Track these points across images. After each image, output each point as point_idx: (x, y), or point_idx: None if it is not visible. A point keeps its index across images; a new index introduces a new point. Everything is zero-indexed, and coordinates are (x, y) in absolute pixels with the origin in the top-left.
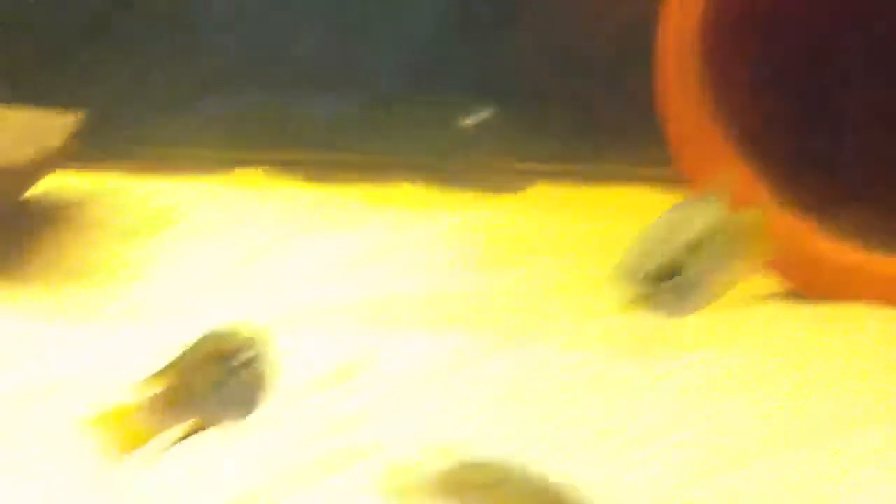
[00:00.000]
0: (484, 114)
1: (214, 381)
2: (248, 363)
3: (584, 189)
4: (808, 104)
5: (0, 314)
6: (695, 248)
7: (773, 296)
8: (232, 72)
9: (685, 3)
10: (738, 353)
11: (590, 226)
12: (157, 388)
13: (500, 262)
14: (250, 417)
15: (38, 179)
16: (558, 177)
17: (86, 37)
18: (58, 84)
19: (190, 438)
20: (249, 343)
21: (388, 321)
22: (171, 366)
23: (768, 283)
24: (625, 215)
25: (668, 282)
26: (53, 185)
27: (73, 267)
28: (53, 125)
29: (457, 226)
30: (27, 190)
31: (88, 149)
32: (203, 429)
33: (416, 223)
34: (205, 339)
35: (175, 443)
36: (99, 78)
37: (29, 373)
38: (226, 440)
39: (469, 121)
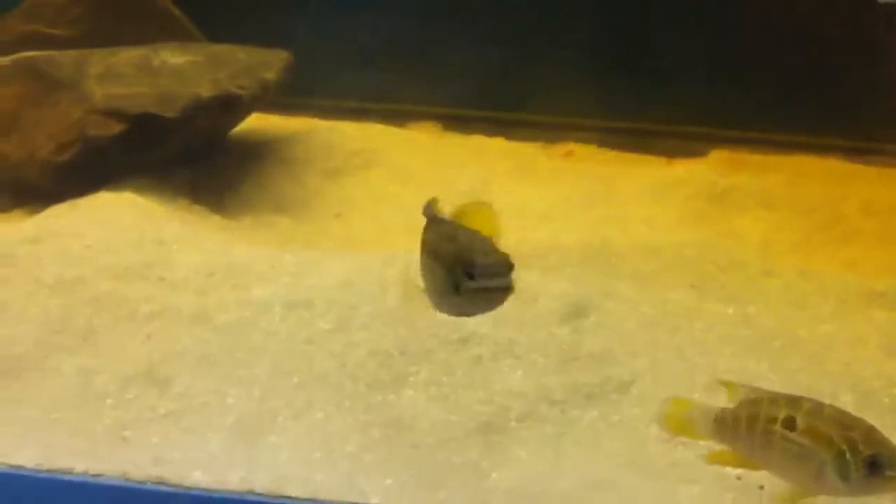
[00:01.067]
0: None
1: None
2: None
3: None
4: None
5: (211, 241)
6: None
7: None
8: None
9: None
10: None
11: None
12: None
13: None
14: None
15: (249, 113)
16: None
17: None
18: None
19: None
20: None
21: (607, 268)
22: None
23: None
24: None
25: None
26: (257, 124)
27: (279, 201)
28: (268, 61)
29: (656, 182)
30: (240, 122)
31: (289, 96)
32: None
33: (612, 178)
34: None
35: None
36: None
37: (267, 292)
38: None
39: None
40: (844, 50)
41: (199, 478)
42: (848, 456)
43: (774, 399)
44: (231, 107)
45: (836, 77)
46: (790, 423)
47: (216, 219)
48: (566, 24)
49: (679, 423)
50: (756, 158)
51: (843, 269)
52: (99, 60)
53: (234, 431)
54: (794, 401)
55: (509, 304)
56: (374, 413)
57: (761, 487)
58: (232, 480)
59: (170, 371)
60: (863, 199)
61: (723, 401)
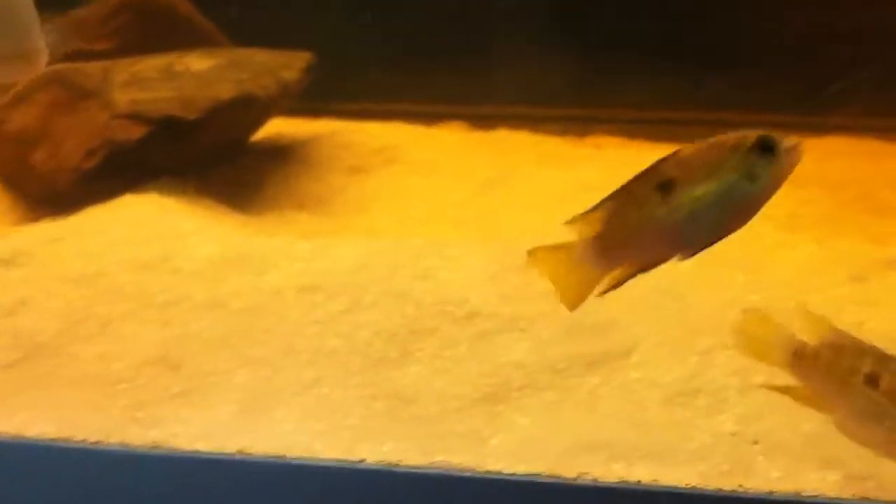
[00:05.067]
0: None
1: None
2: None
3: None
4: None
5: (230, 235)
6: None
7: None
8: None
9: None
10: None
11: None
12: (595, 228)
13: None
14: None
15: (271, 114)
16: None
17: None
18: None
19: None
20: None
21: None
22: (610, 202)
23: None
24: None
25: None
26: (279, 128)
27: (302, 198)
28: (289, 62)
29: None
30: (262, 124)
31: (311, 99)
32: (644, 270)
33: (636, 163)
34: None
35: (614, 286)
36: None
37: (280, 277)
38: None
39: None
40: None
41: (201, 447)
42: None
43: (861, 350)
44: (251, 107)
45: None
46: (874, 379)
47: (237, 216)
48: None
49: (754, 342)
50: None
51: (867, 242)
52: (124, 68)
53: (241, 405)
54: (882, 358)
55: (515, 279)
56: (378, 387)
57: (755, 443)
58: (232, 449)
59: (183, 354)
60: (893, 176)
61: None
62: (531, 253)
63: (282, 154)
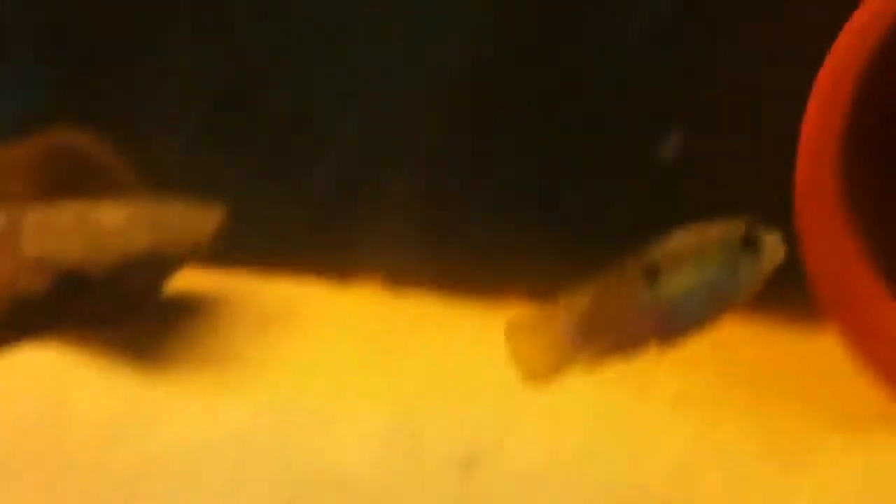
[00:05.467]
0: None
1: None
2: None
3: None
4: None
5: (123, 395)
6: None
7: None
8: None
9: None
10: None
11: None
12: (578, 307)
13: None
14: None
15: (182, 268)
16: None
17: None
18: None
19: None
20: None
21: (503, 415)
22: (597, 283)
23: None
24: None
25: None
26: (188, 281)
27: (204, 355)
28: (202, 216)
29: None
30: (171, 278)
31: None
32: (621, 354)
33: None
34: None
35: (587, 368)
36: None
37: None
38: None
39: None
40: None
41: None
42: None
43: None
44: (162, 262)
45: None
46: None
47: (136, 372)
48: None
49: None
50: None
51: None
52: (35, 214)
53: None
54: None
55: (411, 447)
56: None
57: None
58: None
59: None
60: (777, 359)
61: None
62: (510, 324)
63: (188, 309)
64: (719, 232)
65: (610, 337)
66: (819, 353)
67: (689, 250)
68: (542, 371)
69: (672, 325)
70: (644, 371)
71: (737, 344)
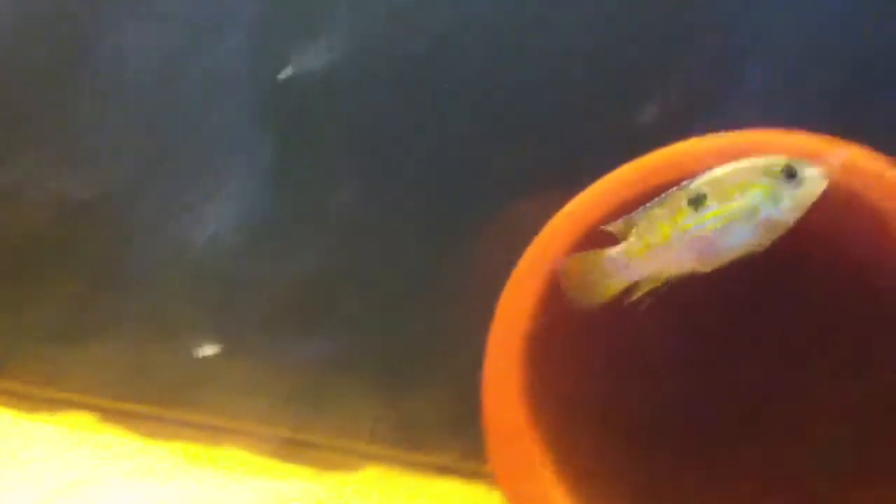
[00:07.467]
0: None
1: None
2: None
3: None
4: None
5: None
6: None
7: None
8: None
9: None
10: None
11: None
12: (630, 233)
13: None
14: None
15: None
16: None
17: None
18: None
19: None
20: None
21: None
22: (646, 210)
23: None
24: None
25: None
26: None
27: None
28: None
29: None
30: None
31: None
32: (666, 278)
33: (239, 487)
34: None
35: (643, 295)
36: None
37: None
38: None
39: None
40: None
41: None
42: None
43: None
44: None
45: None
46: None
47: None
48: None
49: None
50: None
51: None
52: None
53: None
54: None
55: None
56: None
57: None
58: None
59: None
60: None
61: None
62: (565, 259)
63: None
64: (762, 164)
65: (655, 263)
66: None
67: (733, 181)
68: (599, 293)
69: (716, 250)
70: None
71: None
